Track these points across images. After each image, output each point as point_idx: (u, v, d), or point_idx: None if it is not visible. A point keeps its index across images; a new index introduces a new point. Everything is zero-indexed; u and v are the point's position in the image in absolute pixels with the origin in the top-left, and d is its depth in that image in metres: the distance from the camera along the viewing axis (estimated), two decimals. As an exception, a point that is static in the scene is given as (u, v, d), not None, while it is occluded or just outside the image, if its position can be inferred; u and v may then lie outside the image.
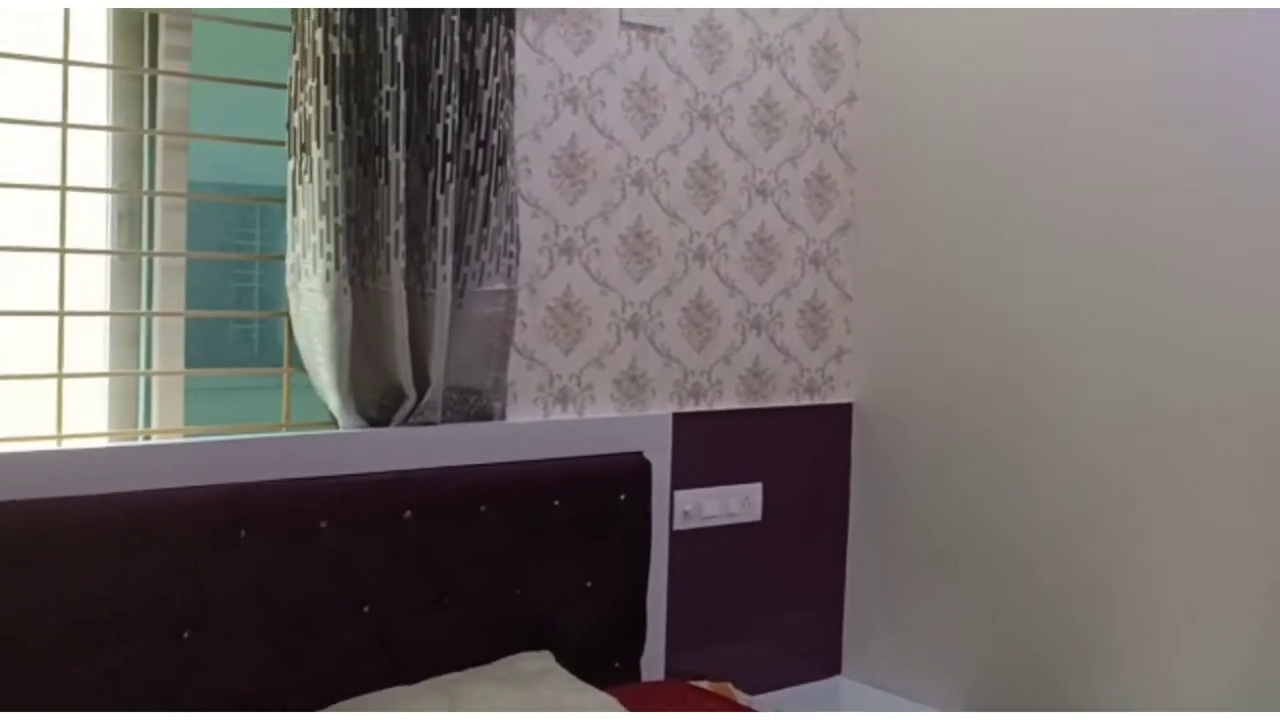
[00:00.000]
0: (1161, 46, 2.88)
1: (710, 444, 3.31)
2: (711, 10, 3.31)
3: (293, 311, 2.63)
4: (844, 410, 3.63)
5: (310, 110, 2.52)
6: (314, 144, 2.52)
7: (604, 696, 2.45)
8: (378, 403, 2.70)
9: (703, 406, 3.34)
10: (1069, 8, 3.07)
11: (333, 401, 2.64)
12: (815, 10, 3.52)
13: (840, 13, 3.57)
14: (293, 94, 2.55)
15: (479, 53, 2.73)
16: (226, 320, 2.97)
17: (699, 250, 3.31)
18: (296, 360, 2.70)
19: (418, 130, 2.67)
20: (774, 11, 3.43)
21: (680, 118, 3.27)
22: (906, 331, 3.51)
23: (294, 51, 2.54)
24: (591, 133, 3.10)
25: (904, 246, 3.51)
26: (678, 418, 3.22)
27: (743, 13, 3.37)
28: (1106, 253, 2.99)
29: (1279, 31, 2.66)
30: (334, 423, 2.68)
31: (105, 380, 2.60)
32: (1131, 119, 2.94)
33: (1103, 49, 3.00)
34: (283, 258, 2.63)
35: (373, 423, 2.69)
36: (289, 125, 2.55)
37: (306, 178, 2.54)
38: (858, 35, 3.61)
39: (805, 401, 3.56)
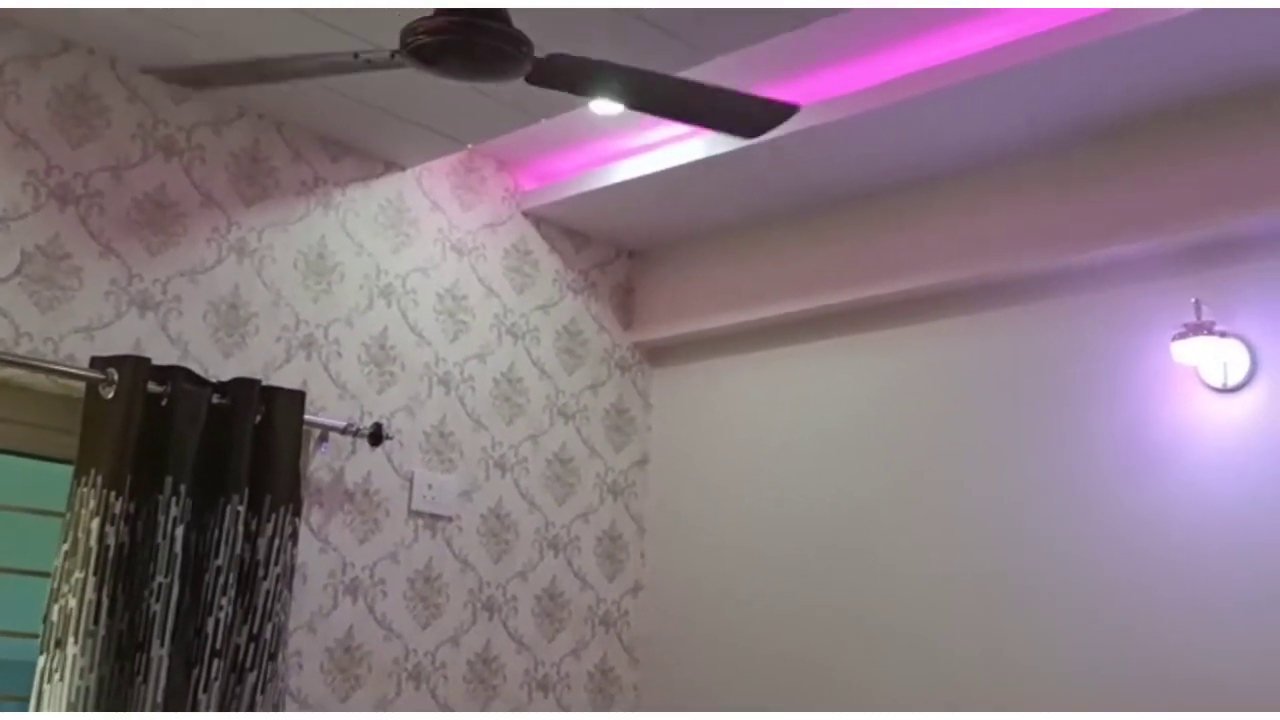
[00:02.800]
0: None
1: None
2: (500, 498, 3.54)
3: (13, 829, 2.46)
4: None
5: (73, 603, 2.51)
6: (70, 639, 2.49)
7: None
8: None
9: None
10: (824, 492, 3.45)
11: None
12: (602, 500, 3.80)
13: (626, 504, 3.87)
14: (55, 585, 2.54)
15: (262, 542, 2.82)
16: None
17: (477, 751, 3.32)
18: None
19: (186, 624, 2.68)
20: (562, 502, 3.69)
21: (463, 607, 3.39)
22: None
23: (64, 540, 2.56)
24: (370, 624, 3.16)
25: (689, 746, 3.61)
26: None
27: (530, 502, 3.62)
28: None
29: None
30: None
31: None
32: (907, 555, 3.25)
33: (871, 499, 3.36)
34: (12, 766, 2.50)
35: None
36: (46, 619, 2.52)
37: (57, 676, 2.48)
38: (643, 526, 3.90)
39: None
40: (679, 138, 3.39)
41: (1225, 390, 2.80)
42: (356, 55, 2.25)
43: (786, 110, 2.44)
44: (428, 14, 2.14)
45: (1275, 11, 2.48)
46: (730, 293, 3.79)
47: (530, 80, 2.26)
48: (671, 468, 3.94)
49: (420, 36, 2.16)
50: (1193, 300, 2.82)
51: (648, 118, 3.26)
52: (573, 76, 2.30)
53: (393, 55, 2.20)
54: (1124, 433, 2.95)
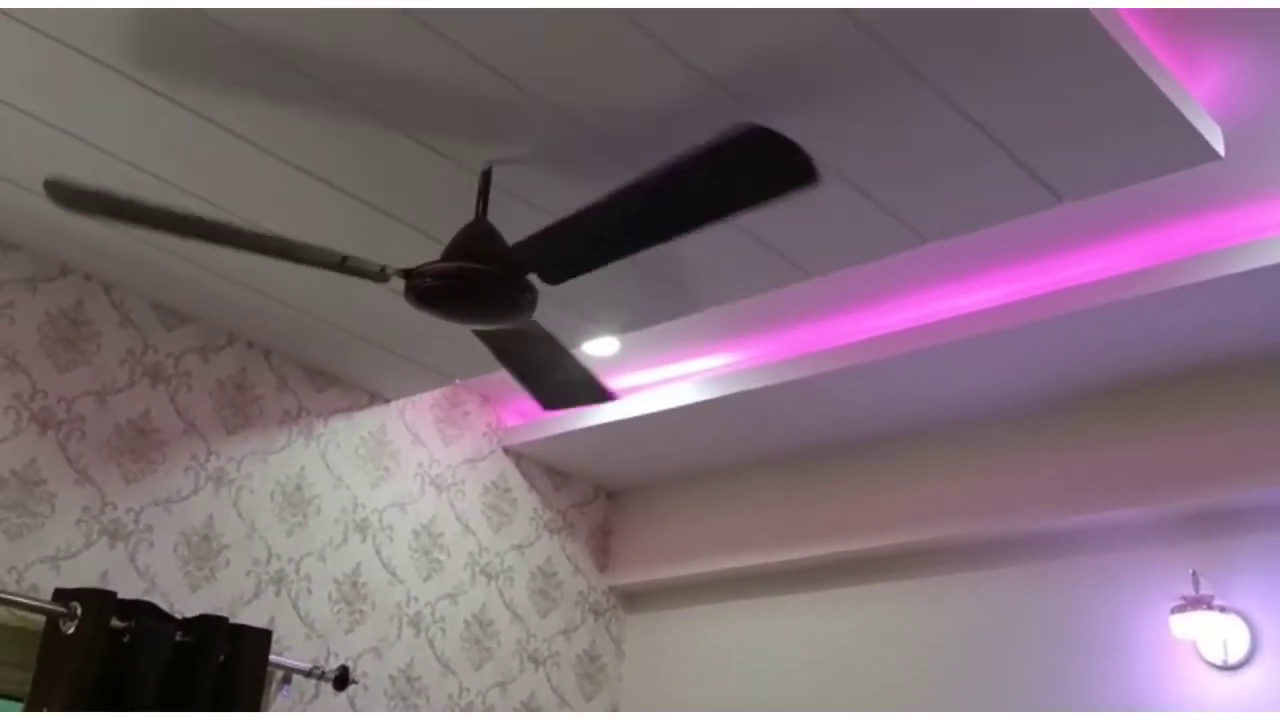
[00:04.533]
0: None
1: None
2: (463, 750, 3.38)
3: None
4: None
5: None
6: None
7: None
8: None
9: None
10: None
11: None
12: (569, 754, 3.64)
13: (594, 758, 3.70)
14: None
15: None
16: None
17: None
18: None
19: None
20: (528, 754, 3.53)
21: None
22: None
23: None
24: None
25: None
26: None
27: (496, 754, 3.45)
28: None
29: None
30: None
31: None
32: None
33: None
34: None
35: None
36: None
37: None
38: (610, 782, 3.73)
39: None
40: (664, 381, 3.41)
41: (1226, 668, 2.74)
42: (344, 260, 2.18)
43: (604, 396, 2.64)
44: (434, 259, 2.17)
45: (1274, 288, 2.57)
46: (709, 540, 3.73)
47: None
48: (642, 720, 3.79)
49: (426, 279, 2.17)
50: (1190, 572, 2.80)
51: (635, 360, 3.31)
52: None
53: (381, 270, 2.18)
54: (1123, 709, 2.85)
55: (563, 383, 2.61)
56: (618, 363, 3.35)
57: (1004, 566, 3.17)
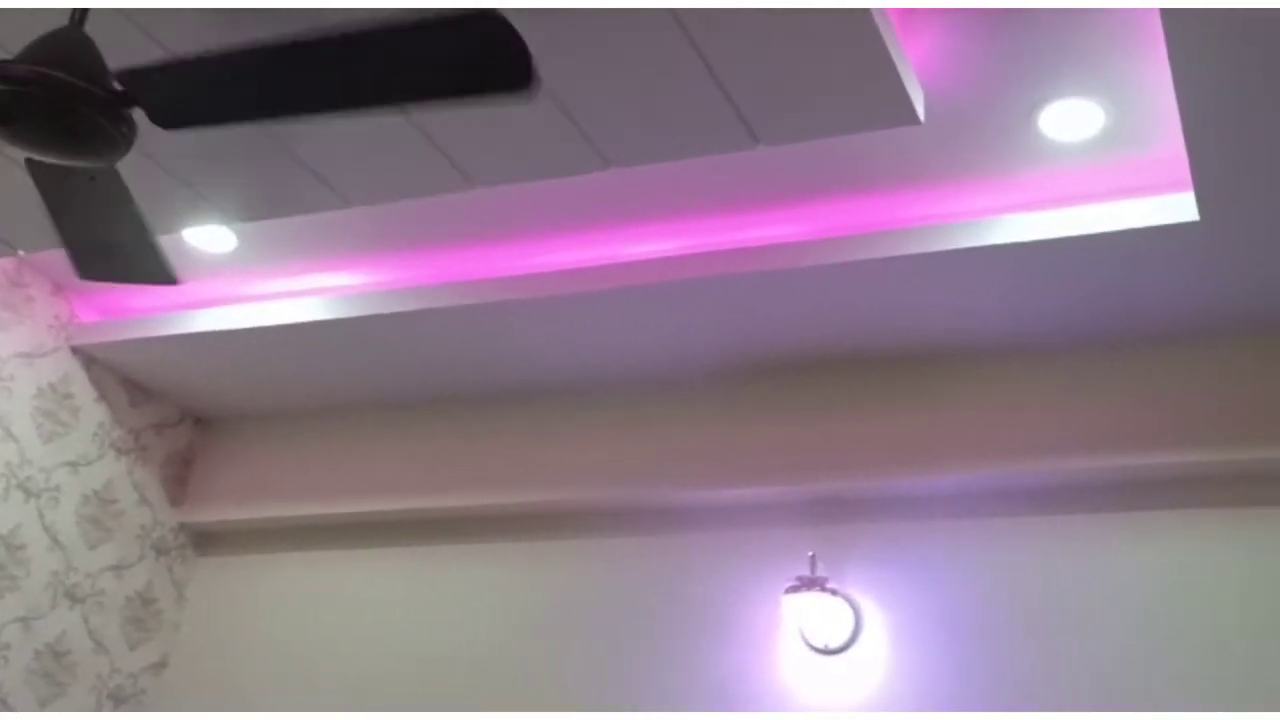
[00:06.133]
0: None
1: None
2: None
3: None
4: None
5: None
6: None
7: None
8: None
9: None
10: None
11: None
12: (100, 708, 3.05)
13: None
14: None
15: None
16: None
17: None
18: None
19: None
20: (46, 705, 2.92)
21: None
22: None
23: None
24: None
25: None
26: None
27: (2, 703, 2.82)
28: None
29: None
30: None
31: None
32: None
33: None
34: None
35: None
36: None
37: None
38: (145, 747, 3.18)
39: None
40: (284, 294, 2.92)
41: (828, 652, 2.64)
42: None
43: (164, 276, 2.04)
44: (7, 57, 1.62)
45: (912, 288, 2.48)
46: (307, 482, 3.27)
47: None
48: (195, 676, 3.24)
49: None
50: (809, 554, 2.69)
51: (254, 263, 2.80)
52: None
53: None
54: (724, 681, 2.70)
55: (115, 246, 2.01)
56: (233, 263, 2.83)
57: (635, 535, 2.95)
